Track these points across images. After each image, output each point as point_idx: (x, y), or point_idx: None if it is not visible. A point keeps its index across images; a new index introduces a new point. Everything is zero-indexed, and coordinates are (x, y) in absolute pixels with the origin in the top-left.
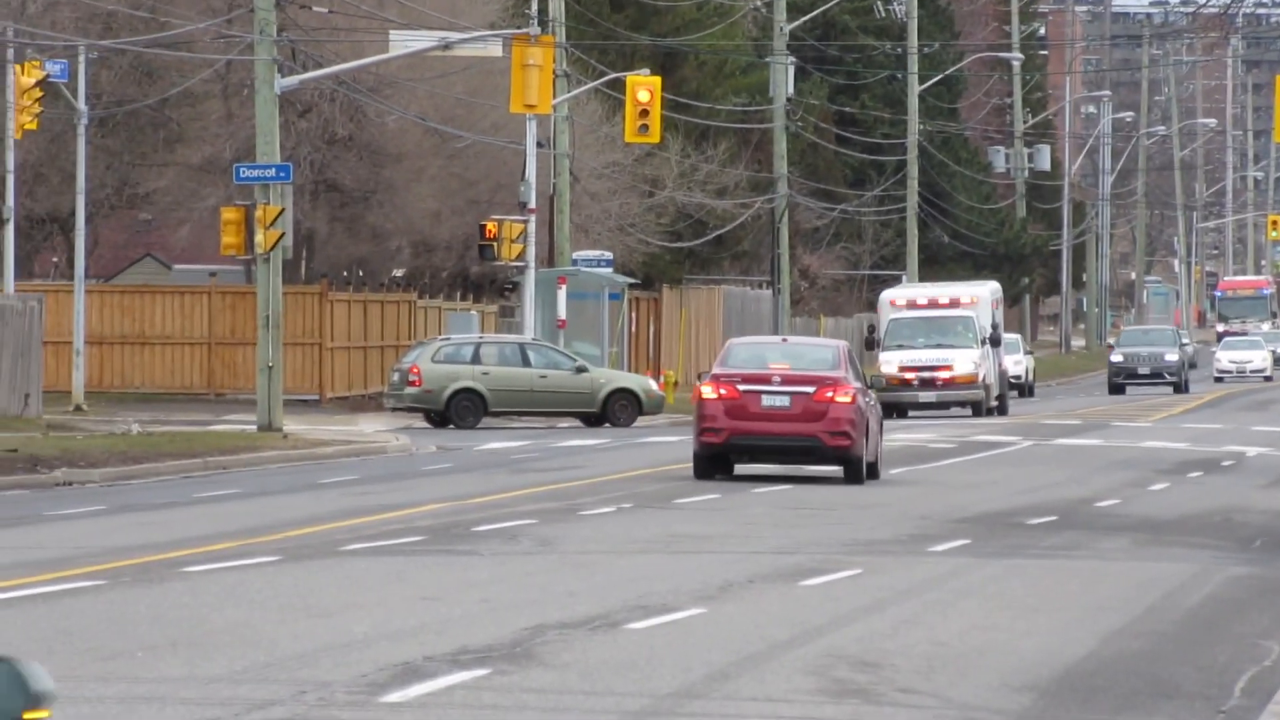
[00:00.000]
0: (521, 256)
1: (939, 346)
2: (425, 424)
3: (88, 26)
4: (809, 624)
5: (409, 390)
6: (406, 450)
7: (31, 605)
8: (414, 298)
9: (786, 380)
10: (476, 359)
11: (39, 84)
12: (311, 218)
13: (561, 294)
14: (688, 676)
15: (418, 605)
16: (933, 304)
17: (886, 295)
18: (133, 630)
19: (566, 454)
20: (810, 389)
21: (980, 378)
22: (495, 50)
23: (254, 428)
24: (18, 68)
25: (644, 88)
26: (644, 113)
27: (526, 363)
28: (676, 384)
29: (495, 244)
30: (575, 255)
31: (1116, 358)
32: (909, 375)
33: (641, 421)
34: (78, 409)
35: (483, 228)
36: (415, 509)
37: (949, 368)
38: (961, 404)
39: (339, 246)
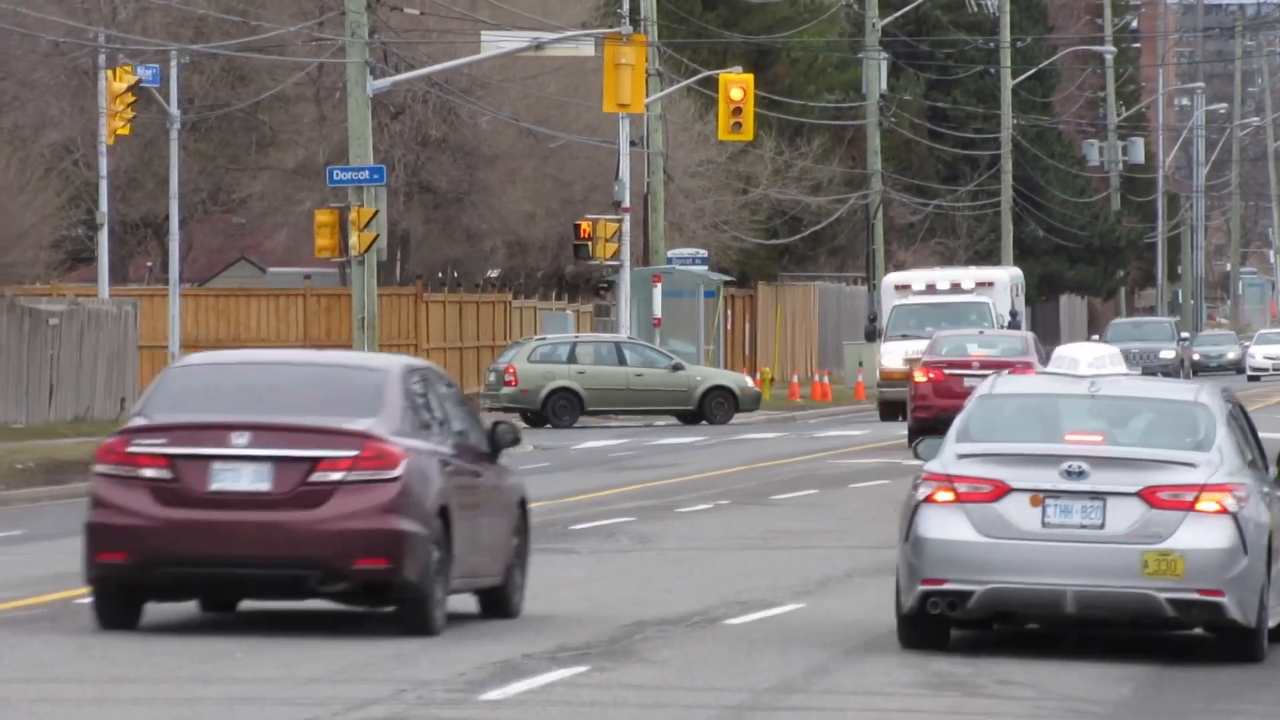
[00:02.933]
0: (616, 255)
1: None
2: (522, 424)
3: (179, 31)
4: None
5: (505, 390)
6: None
7: None
8: (509, 298)
9: (985, 365)
10: (572, 358)
11: (131, 89)
12: (406, 219)
13: (657, 292)
14: (787, 671)
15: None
16: (942, 288)
17: (890, 279)
18: (232, 630)
19: (663, 452)
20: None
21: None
22: (587, 50)
23: None
24: (110, 73)
25: (737, 85)
26: (737, 110)
27: (622, 361)
28: (772, 381)
29: (590, 243)
30: (670, 253)
31: None
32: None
33: (738, 418)
34: None
35: (577, 227)
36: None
37: None
38: None
39: (434, 248)
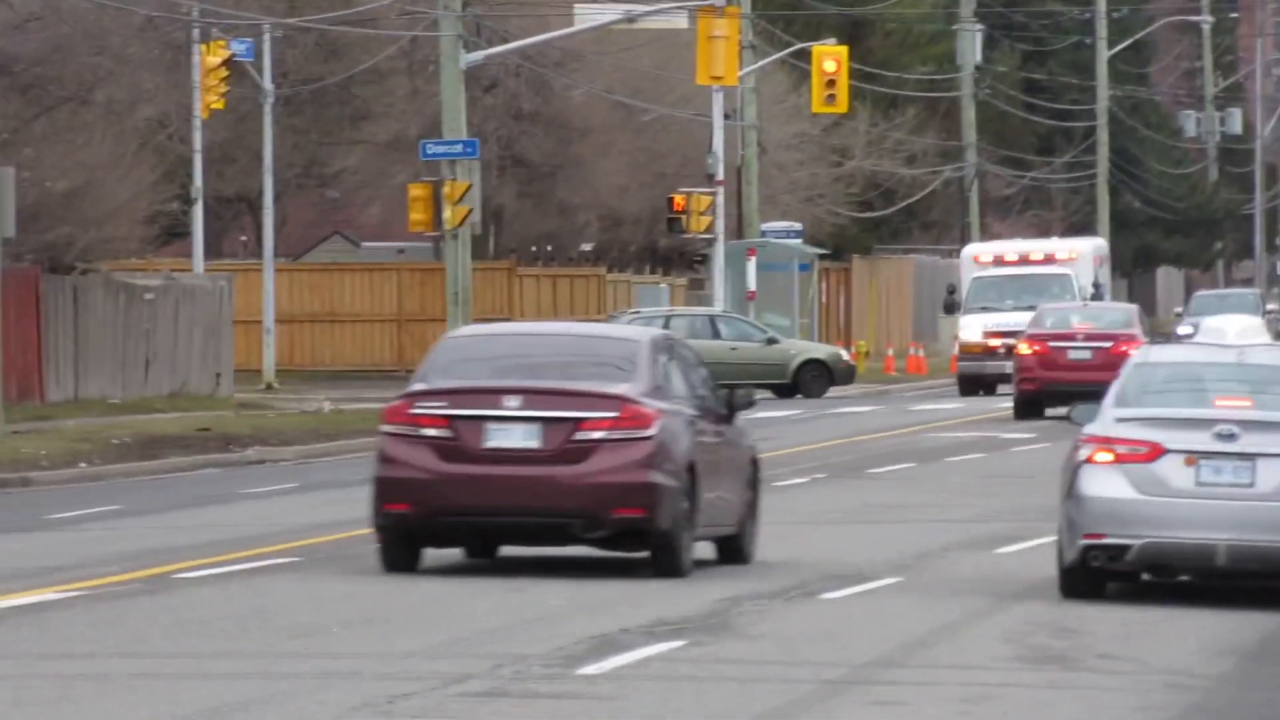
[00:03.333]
0: (710, 229)
1: (1029, 309)
2: None
3: (272, 5)
4: (1006, 591)
5: None
6: None
7: (228, 583)
8: (603, 272)
9: (1089, 337)
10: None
11: (225, 64)
12: (499, 193)
13: (751, 266)
14: (885, 645)
15: (613, 577)
16: (1023, 260)
17: (969, 250)
18: (328, 606)
19: (758, 425)
20: (1108, 344)
21: None
22: (681, 22)
23: None
24: (203, 48)
25: (831, 58)
26: (831, 83)
27: (717, 335)
28: (868, 354)
29: (683, 217)
30: (764, 227)
31: (1185, 329)
32: (994, 342)
33: (833, 392)
34: (268, 387)
35: (671, 201)
36: None
37: None
38: None
39: (527, 222)
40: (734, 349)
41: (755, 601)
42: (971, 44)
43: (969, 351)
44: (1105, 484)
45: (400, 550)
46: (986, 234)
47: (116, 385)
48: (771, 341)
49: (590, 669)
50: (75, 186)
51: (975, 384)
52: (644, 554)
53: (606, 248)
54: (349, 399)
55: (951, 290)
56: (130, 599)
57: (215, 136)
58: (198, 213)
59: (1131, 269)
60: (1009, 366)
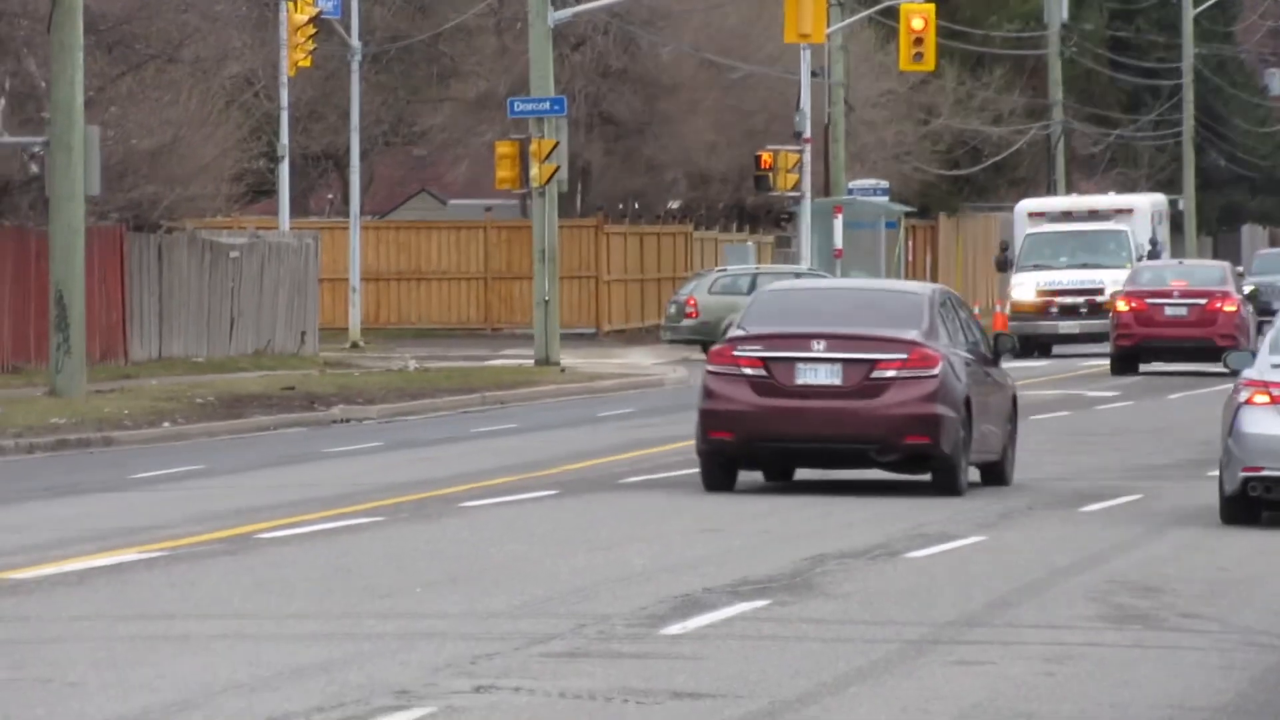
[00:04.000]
0: (797, 186)
1: (1084, 267)
2: (702, 356)
3: None
4: (1089, 550)
5: (686, 322)
6: (684, 383)
7: (311, 542)
8: (690, 229)
9: (1184, 294)
10: (753, 290)
11: (311, 21)
12: (587, 151)
13: (838, 224)
14: (968, 605)
15: (697, 537)
16: (1078, 215)
17: (1023, 206)
18: (411, 566)
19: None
20: (1203, 300)
21: None
22: None
23: (531, 362)
24: (290, 5)
25: (918, 15)
26: (918, 40)
27: None
28: None
29: (770, 174)
30: (851, 184)
31: (1247, 288)
32: (1048, 300)
33: None
34: (354, 346)
35: (758, 158)
36: (693, 441)
37: (1097, 292)
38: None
39: (614, 179)
40: None
41: (839, 560)
42: (1058, 2)
43: (1021, 311)
44: (1263, 423)
45: (720, 472)
46: (1075, 191)
47: (201, 344)
48: None
49: (674, 629)
50: (161, 144)
51: (1028, 345)
52: (926, 476)
53: (693, 205)
54: (435, 357)
55: (1005, 247)
56: (211, 559)
57: (302, 94)
58: (284, 171)
59: (1216, 228)
60: (1063, 326)
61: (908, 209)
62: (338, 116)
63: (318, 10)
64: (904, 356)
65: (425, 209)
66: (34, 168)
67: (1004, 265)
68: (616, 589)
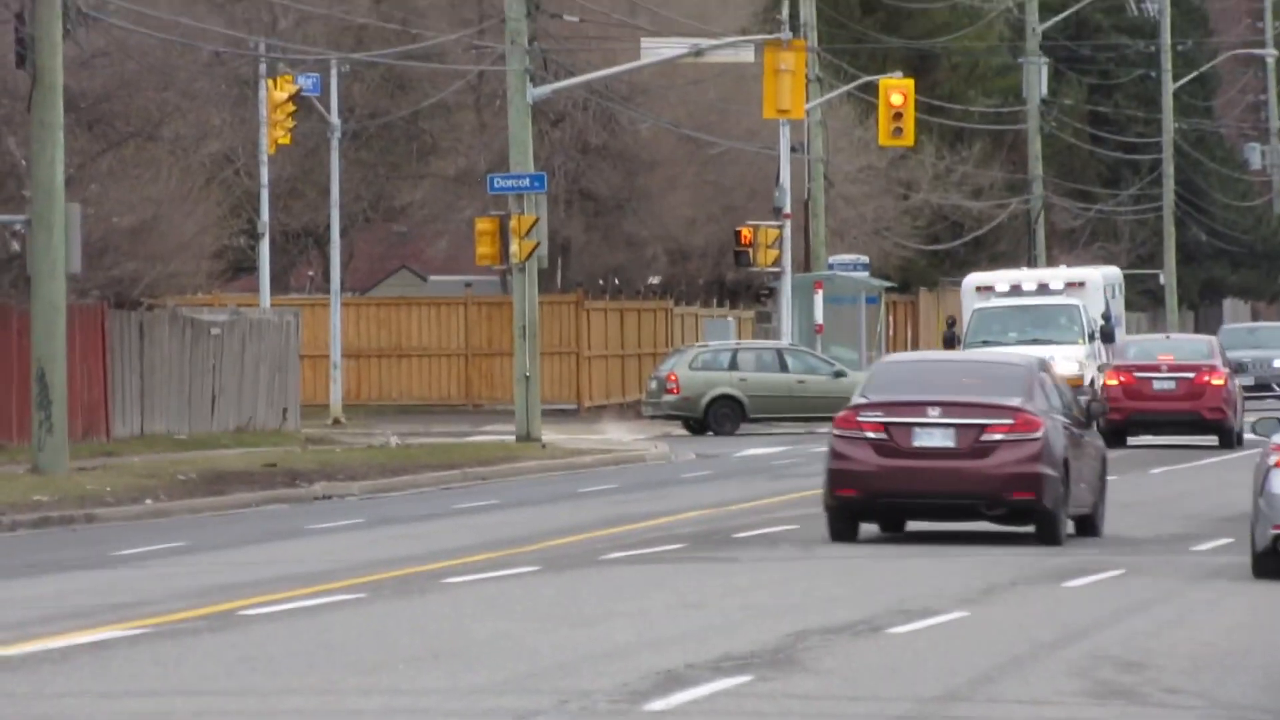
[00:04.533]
0: (777, 262)
1: (1034, 342)
2: (683, 431)
3: (339, 40)
4: (1073, 625)
5: (667, 398)
6: (665, 458)
7: (293, 619)
8: (670, 305)
9: (1172, 368)
10: (734, 365)
11: (291, 98)
12: (567, 227)
13: (818, 299)
14: (952, 680)
15: (679, 612)
16: (1027, 289)
17: (970, 280)
18: (394, 642)
19: (824, 459)
20: (1190, 374)
21: (1086, 380)
22: (747, 56)
23: (512, 438)
24: (270, 82)
25: (897, 91)
26: (897, 116)
27: (784, 368)
28: None
29: (750, 250)
30: (831, 259)
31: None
32: None
33: None
34: (335, 422)
35: (738, 234)
36: (675, 516)
37: None
38: None
39: (594, 255)
40: (801, 382)
41: (822, 636)
42: (1037, 77)
43: None
44: None
45: (845, 525)
46: (1053, 266)
47: (183, 421)
48: (839, 375)
49: (657, 705)
50: (142, 222)
51: None
52: (1029, 528)
53: (674, 281)
54: (416, 433)
55: (951, 323)
56: (194, 636)
57: (282, 171)
58: (264, 247)
59: (1198, 301)
60: None
61: (888, 284)
62: (318, 193)
63: (297, 88)
64: (1010, 421)
65: (406, 285)
66: (15, 245)
67: (951, 342)
68: (599, 664)
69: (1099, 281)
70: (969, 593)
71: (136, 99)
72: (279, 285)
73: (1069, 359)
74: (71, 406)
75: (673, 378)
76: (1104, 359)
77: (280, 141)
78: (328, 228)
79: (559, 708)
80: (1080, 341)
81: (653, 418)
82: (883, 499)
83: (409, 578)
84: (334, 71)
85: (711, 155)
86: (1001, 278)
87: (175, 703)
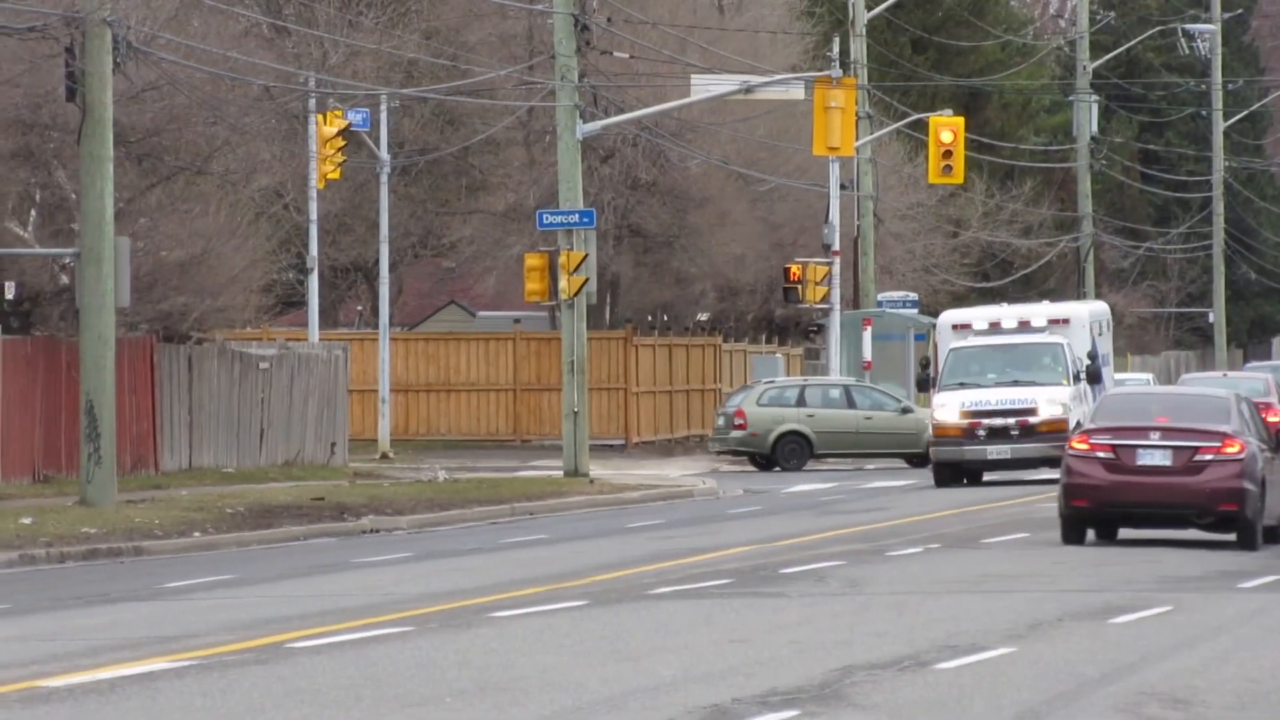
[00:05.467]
0: (826, 299)
1: (1015, 384)
2: (733, 467)
3: (389, 75)
4: (1119, 661)
5: (735, 433)
6: (713, 494)
7: (340, 652)
8: (719, 341)
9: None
10: (802, 401)
11: (341, 133)
12: (615, 263)
13: (867, 335)
14: (998, 715)
15: (726, 647)
16: (1008, 327)
17: (946, 318)
18: (441, 676)
19: (872, 495)
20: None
21: (1071, 424)
22: (797, 93)
23: (560, 473)
24: (320, 117)
25: (947, 128)
26: (947, 153)
27: (852, 404)
28: None
29: (800, 286)
30: (880, 296)
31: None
32: (974, 422)
33: None
34: (384, 457)
35: (787, 270)
36: (722, 552)
37: (1029, 412)
38: (1047, 460)
39: (643, 291)
40: (868, 418)
41: (868, 671)
42: (1088, 115)
43: (945, 434)
44: None
45: (1075, 531)
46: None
47: (231, 454)
48: (906, 411)
49: None
50: (191, 256)
51: (953, 473)
52: (1230, 535)
53: (722, 317)
54: (464, 468)
55: (925, 364)
56: (242, 668)
57: (331, 206)
58: (313, 282)
59: (1246, 339)
60: (992, 451)
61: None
62: (367, 228)
63: (347, 123)
64: (1218, 444)
65: (454, 321)
66: (64, 278)
67: (925, 384)
68: (645, 699)
69: (1085, 318)
70: (1016, 629)
71: (186, 133)
72: (328, 320)
73: (1053, 401)
74: (120, 439)
75: (740, 414)
76: (1091, 401)
77: (330, 176)
78: (376, 263)
79: None
80: (1065, 382)
81: (720, 453)
82: (1110, 508)
83: (456, 611)
84: (384, 107)
85: (761, 192)
86: (979, 315)
87: None
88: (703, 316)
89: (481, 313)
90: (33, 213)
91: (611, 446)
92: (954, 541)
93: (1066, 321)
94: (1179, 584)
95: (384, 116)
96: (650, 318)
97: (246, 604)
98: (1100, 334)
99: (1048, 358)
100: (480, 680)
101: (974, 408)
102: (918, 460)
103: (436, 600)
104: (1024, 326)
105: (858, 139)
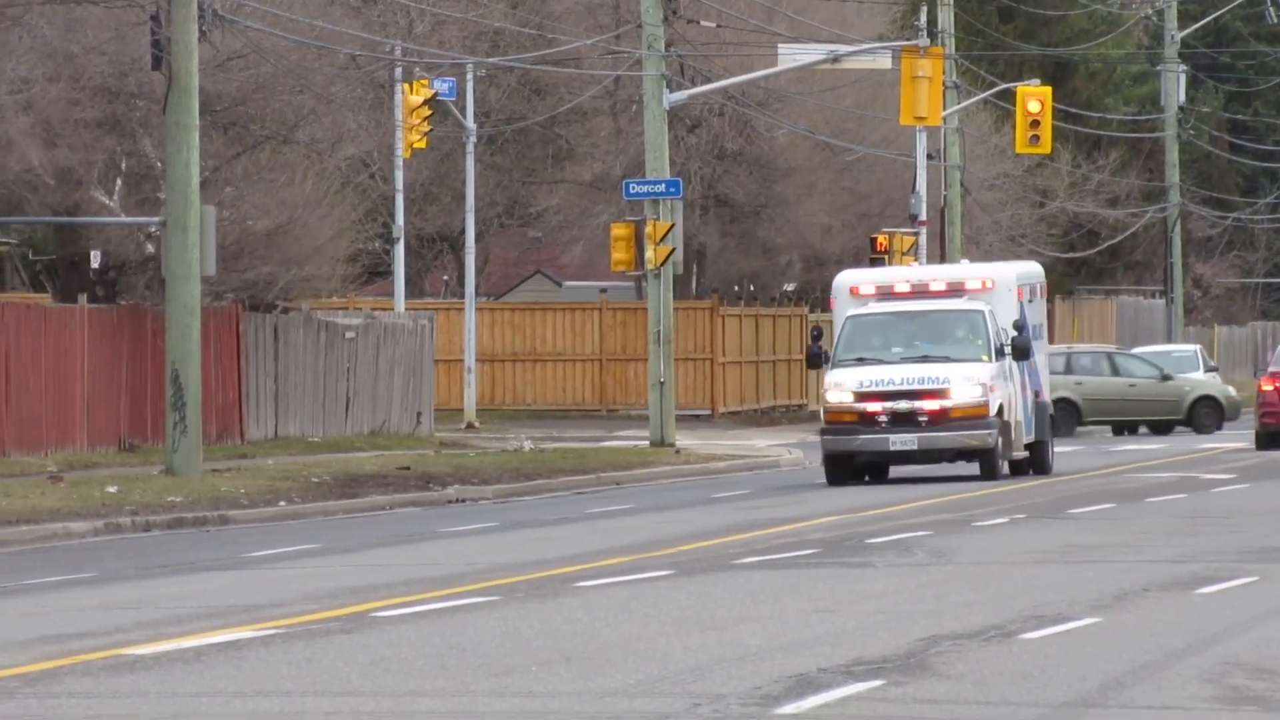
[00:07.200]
0: None
1: (925, 360)
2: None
3: (475, 45)
4: (1205, 631)
5: None
6: (799, 464)
7: (425, 621)
8: (805, 312)
9: None
10: (1069, 369)
11: (427, 103)
12: (702, 233)
13: None
14: (1083, 685)
15: (811, 617)
16: (918, 291)
17: (843, 280)
18: (526, 645)
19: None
20: None
21: (993, 409)
22: (884, 63)
23: (646, 443)
24: (406, 87)
25: (1034, 98)
26: (1035, 123)
27: (1115, 372)
28: None
29: (886, 257)
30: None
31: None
32: (873, 407)
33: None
34: (469, 426)
35: (873, 241)
36: (808, 522)
37: (940, 393)
38: (963, 452)
39: (729, 261)
40: (1132, 385)
41: (954, 641)
42: (1175, 84)
43: (837, 420)
44: None
45: (1266, 443)
46: (1189, 274)
47: (317, 423)
48: (1166, 378)
49: (788, 708)
50: (277, 225)
51: (844, 465)
52: None
53: (809, 287)
54: (550, 438)
55: (817, 335)
56: (327, 637)
57: (417, 175)
58: (399, 251)
59: None
60: (896, 441)
61: None
62: (453, 198)
63: (433, 92)
64: None
65: (540, 290)
66: (150, 247)
67: (815, 360)
68: (731, 668)
69: (1011, 281)
70: (1102, 599)
71: (272, 102)
72: (414, 289)
73: (969, 380)
74: (205, 408)
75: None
76: (1018, 380)
77: (416, 146)
78: (462, 232)
79: (691, 711)
80: (985, 358)
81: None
82: None
83: (541, 581)
84: (470, 76)
85: (848, 162)
86: (882, 276)
87: (308, 703)
88: (789, 286)
89: (567, 282)
90: (118, 182)
91: (697, 417)
92: (1040, 511)
93: (990, 285)
94: (1264, 554)
95: (470, 85)
96: (736, 288)
97: (332, 573)
98: (1030, 300)
99: (964, 328)
100: (566, 650)
101: (873, 388)
102: (1163, 428)
103: (522, 570)
104: (937, 290)
105: (945, 108)
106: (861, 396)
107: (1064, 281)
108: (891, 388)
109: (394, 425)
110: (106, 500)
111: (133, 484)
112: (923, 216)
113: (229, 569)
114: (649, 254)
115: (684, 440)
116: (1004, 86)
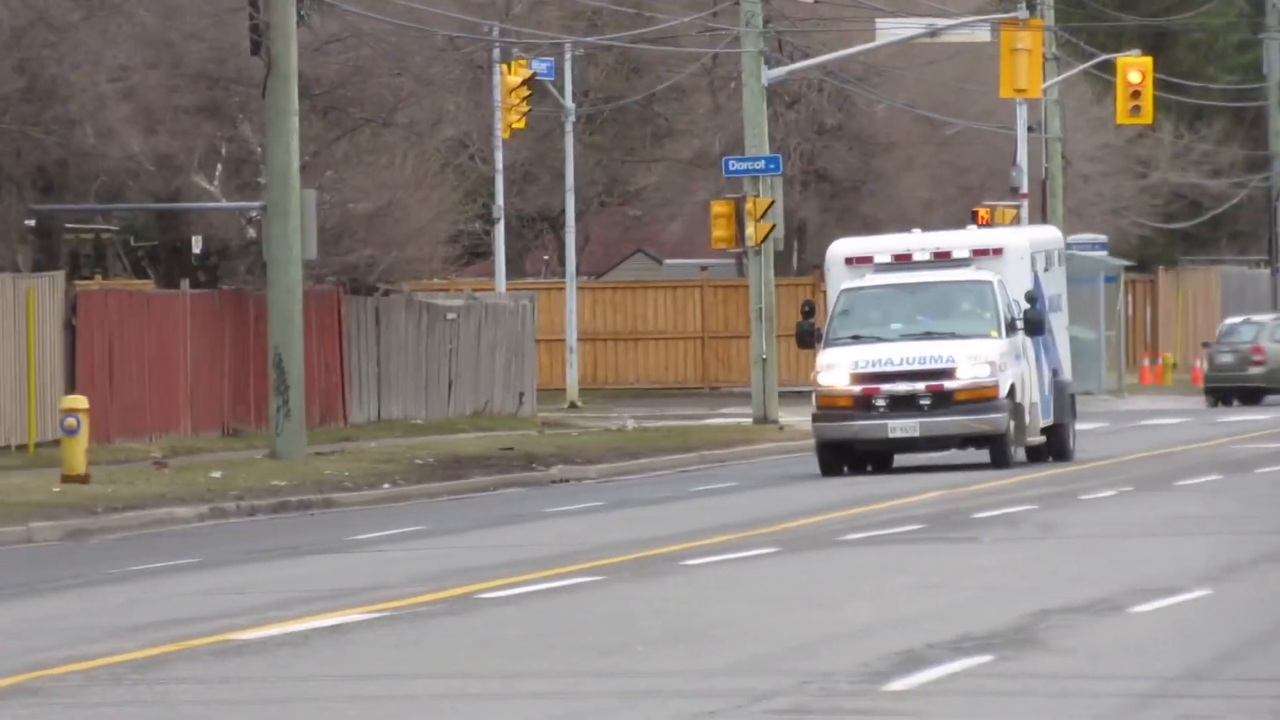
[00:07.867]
0: None
1: (928, 337)
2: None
3: (573, 24)
4: None
5: (1253, 370)
6: None
7: (531, 602)
8: None
9: None
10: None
11: (526, 83)
12: (802, 208)
13: None
14: (1195, 658)
15: (918, 593)
16: (921, 260)
17: (839, 248)
18: (632, 625)
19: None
20: None
21: (1002, 390)
22: (983, 35)
23: (749, 420)
24: (504, 67)
25: (1135, 69)
26: (1135, 94)
27: None
28: (1175, 366)
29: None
30: (1069, 239)
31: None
32: (870, 388)
33: (1138, 403)
34: (572, 406)
35: (975, 214)
36: (913, 497)
37: (945, 373)
38: (971, 439)
39: (830, 236)
40: None
41: (1063, 615)
42: (1277, 53)
43: (831, 404)
44: None
45: None
46: None
47: (419, 405)
48: None
49: (897, 685)
50: (377, 208)
51: (839, 454)
52: None
53: None
54: (652, 416)
55: (809, 310)
56: (433, 619)
57: (517, 156)
58: (499, 232)
59: None
60: (896, 427)
61: (1127, 263)
62: (552, 178)
63: (532, 72)
64: None
65: (641, 269)
66: (251, 232)
67: (807, 338)
68: (838, 645)
69: (1024, 248)
70: (1211, 571)
71: (371, 85)
72: (514, 270)
73: (977, 359)
74: (309, 392)
75: (1259, 350)
76: (1032, 358)
77: (515, 126)
78: (562, 212)
79: (799, 688)
80: (993, 334)
81: (1216, 388)
82: None
83: (647, 560)
84: (568, 55)
85: (948, 135)
86: (881, 244)
87: (415, 685)
88: None
89: (668, 260)
90: (219, 167)
91: (800, 393)
92: (1147, 484)
93: (999, 252)
94: None
95: (568, 65)
96: None
97: (437, 555)
98: (1047, 269)
99: (971, 301)
100: (673, 629)
101: (870, 369)
102: None
103: (627, 549)
104: (941, 259)
105: (1045, 81)
106: (857, 378)
107: (1166, 253)
108: (890, 368)
109: (496, 406)
110: (211, 485)
111: (236, 469)
112: (1024, 189)
113: (333, 552)
114: (749, 231)
115: (787, 417)
116: (1104, 57)
